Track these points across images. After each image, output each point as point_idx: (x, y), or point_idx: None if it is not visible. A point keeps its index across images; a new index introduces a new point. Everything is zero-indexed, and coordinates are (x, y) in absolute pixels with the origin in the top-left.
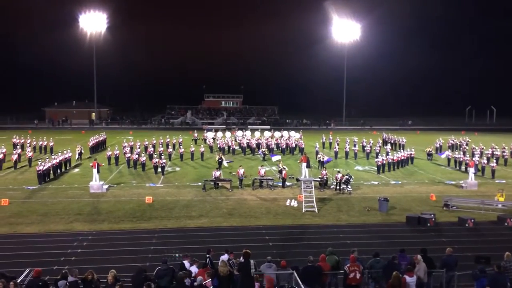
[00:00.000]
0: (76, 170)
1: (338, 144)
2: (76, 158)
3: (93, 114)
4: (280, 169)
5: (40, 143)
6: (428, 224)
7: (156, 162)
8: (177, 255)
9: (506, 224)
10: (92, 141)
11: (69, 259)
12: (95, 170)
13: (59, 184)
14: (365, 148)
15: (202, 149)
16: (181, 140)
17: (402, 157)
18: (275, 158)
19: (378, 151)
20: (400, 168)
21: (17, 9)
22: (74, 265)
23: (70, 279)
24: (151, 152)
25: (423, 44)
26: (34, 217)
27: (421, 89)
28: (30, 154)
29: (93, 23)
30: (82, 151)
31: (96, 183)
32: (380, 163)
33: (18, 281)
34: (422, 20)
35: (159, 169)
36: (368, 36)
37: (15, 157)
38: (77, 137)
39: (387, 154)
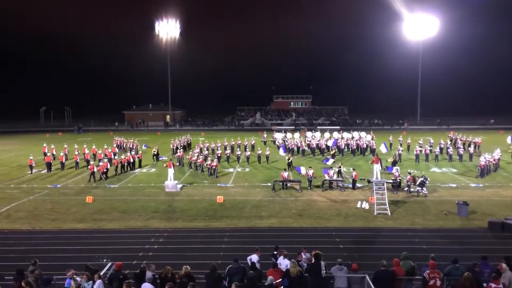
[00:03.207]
0: (153, 170)
1: (408, 146)
2: (159, 158)
3: (168, 116)
4: (339, 169)
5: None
6: None
7: (208, 164)
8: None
9: None
10: (178, 142)
11: (147, 254)
12: (170, 170)
13: (137, 183)
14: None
15: (268, 152)
16: (253, 142)
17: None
18: (329, 161)
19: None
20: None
21: (99, 17)
22: (151, 260)
23: (149, 274)
24: (219, 155)
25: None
26: (115, 214)
27: (507, 85)
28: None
29: (168, 29)
30: (158, 152)
31: (171, 183)
32: (483, 164)
33: (101, 273)
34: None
35: (212, 171)
36: (447, 31)
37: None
38: (153, 138)
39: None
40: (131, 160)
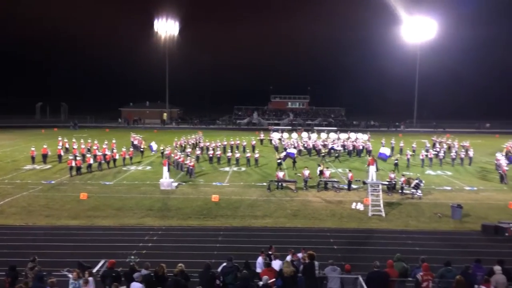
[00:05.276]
0: (149, 167)
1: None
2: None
3: (165, 114)
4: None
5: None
6: (506, 234)
7: (187, 163)
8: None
9: None
10: (187, 140)
11: (140, 252)
12: (165, 168)
13: (132, 180)
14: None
15: (257, 155)
16: (253, 142)
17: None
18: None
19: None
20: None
21: (98, 15)
22: (145, 258)
23: (144, 272)
24: (211, 155)
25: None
26: (110, 211)
27: (505, 89)
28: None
29: (166, 27)
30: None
31: (166, 181)
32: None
33: (94, 271)
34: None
35: (189, 170)
36: (445, 34)
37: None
38: (149, 136)
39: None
40: (116, 157)
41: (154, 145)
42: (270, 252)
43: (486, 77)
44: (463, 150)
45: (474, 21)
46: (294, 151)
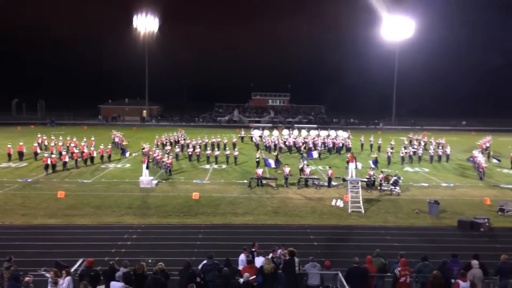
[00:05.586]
0: (128, 165)
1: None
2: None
3: (144, 111)
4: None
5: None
6: (482, 229)
7: (164, 160)
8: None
9: None
10: (168, 138)
11: (119, 250)
12: (144, 166)
13: (111, 178)
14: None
15: (236, 153)
16: (234, 140)
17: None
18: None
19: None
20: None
21: (76, 10)
22: (124, 257)
23: (123, 270)
24: (191, 153)
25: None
26: (88, 209)
27: (480, 88)
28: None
29: (146, 23)
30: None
31: (146, 178)
32: None
33: (72, 270)
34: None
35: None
36: (422, 33)
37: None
38: (128, 134)
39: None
40: (94, 155)
41: (127, 153)
42: (253, 249)
43: (462, 75)
44: (440, 147)
45: (450, 21)
46: (272, 162)
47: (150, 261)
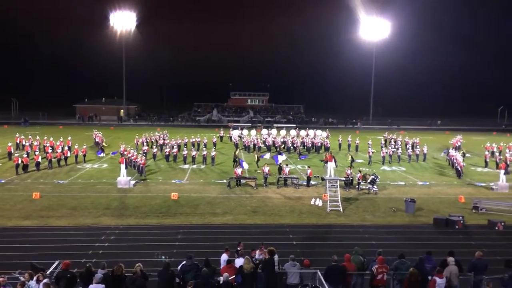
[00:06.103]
0: (105, 165)
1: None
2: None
3: (122, 111)
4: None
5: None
6: (456, 227)
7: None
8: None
9: None
10: (149, 138)
11: (96, 252)
12: (122, 166)
13: (88, 178)
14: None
15: (214, 153)
16: (214, 140)
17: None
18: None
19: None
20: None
21: (50, 7)
22: (101, 258)
23: (101, 272)
24: (167, 153)
25: (456, 42)
26: (64, 211)
27: (453, 88)
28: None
29: (123, 21)
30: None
31: (123, 179)
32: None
33: (48, 272)
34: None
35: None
36: (398, 33)
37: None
38: (106, 133)
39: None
40: (68, 155)
41: (101, 153)
42: (238, 249)
43: (437, 76)
44: (417, 146)
45: (425, 23)
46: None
47: (163, 258)
